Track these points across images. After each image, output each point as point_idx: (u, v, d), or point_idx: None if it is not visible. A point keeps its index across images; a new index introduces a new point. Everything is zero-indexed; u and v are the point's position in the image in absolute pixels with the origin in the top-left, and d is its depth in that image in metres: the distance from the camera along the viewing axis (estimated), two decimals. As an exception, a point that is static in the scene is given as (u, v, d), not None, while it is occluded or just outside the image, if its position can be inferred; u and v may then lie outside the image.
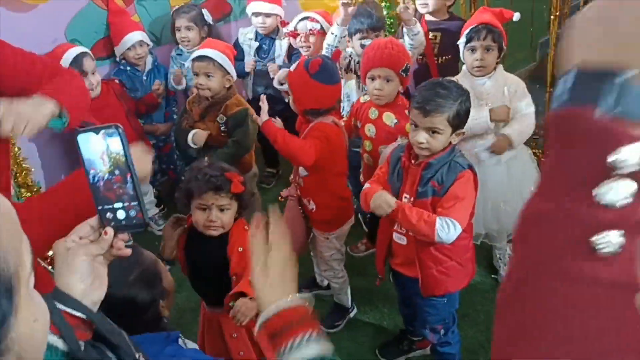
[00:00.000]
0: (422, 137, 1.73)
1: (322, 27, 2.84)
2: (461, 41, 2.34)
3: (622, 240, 0.45)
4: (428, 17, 2.82)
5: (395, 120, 2.28)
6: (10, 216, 0.56)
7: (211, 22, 3.08)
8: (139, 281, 1.38)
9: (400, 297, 2.25)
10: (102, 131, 0.83)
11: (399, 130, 2.25)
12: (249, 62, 3.10)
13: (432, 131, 1.73)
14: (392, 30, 3.06)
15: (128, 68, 2.95)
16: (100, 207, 0.86)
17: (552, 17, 3.15)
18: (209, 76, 2.48)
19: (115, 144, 0.83)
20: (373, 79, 2.25)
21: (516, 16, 2.44)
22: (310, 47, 2.87)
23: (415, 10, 2.77)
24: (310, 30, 2.83)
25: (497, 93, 2.33)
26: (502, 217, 2.45)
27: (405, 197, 1.82)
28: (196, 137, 2.54)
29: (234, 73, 2.57)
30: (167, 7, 3.17)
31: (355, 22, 2.57)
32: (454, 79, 2.28)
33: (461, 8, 3.22)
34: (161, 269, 1.53)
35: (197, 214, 1.76)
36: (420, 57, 2.81)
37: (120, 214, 0.86)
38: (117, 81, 2.88)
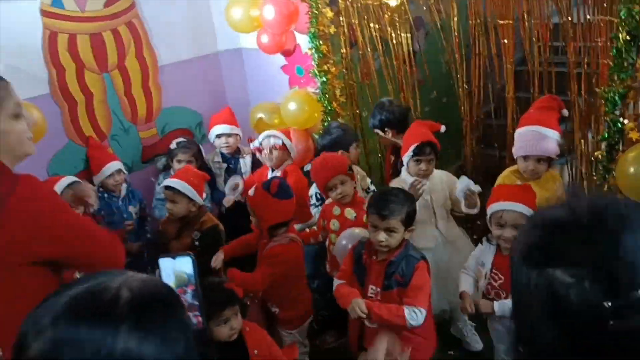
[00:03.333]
0: (382, 236, 2.16)
1: (283, 142, 3.27)
2: (407, 154, 2.80)
3: None
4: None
5: (354, 214, 2.74)
6: None
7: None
8: None
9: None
10: (178, 256, 1.14)
11: (359, 222, 2.69)
12: (228, 199, 3.43)
13: (390, 231, 2.16)
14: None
15: (105, 195, 3.24)
16: None
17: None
18: (174, 202, 2.84)
19: (186, 266, 1.13)
20: (331, 189, 2.72)
21: (442, 128, 2.98)
22: (273, 159, 3.28)
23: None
24: (274, 145, 3.24)
25: (437, 187, 2.85)
26: (451, 294, 2.85)
27: (372, 289, 2.22)
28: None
29: (197, 199, 2.85)
30: (137, 139, 3.57)
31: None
32: (396, 180, 2.84)
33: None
34: None
35: (219, 330, 1.98)
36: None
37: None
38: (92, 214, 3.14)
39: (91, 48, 3.22)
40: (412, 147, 2.78)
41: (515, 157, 2.72)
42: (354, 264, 2.31)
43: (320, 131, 3.50)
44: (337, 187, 2.71)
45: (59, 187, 2.84)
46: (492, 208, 2.28)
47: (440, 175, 2.91)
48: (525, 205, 2.19)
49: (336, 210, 2.78)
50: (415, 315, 2.11)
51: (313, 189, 3.15)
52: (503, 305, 2.20)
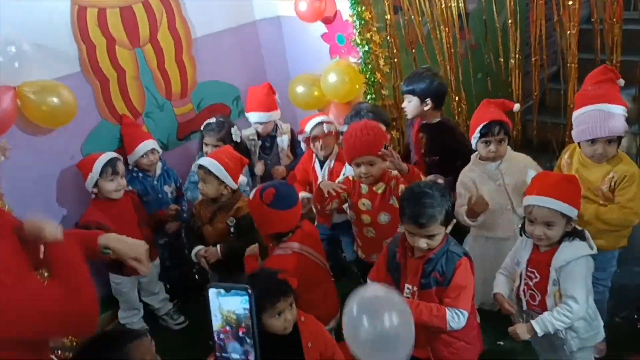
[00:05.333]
0: (423, 243, 1.96)
1: (336, 127, 3.06)
2: (475, 136, 2.55)
3: None
4: (424, 120, 2.99)
5: (384, 186, 2.53)
6: None
7: (239, 140, 3.28)
8: None
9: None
10: (233, 290, 0.95)
11: (388, 196, 2.50)
12: (258, 166, 3.33)
13: (430, 237, 1.95)
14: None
15: (140, 174, 3.18)
16: (217, 354, 0.98)
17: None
18: (205, 182, 2.73)
19: (243, 303, 0.94)
20: (358, 165, 2.48)
21: (516, 107, 2.70)
22: (327, 147, 3.03)
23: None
24: (328, 132, 3.01)
25: (513, 172, 2.57)
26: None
27: (408, 288, 2.03)
28: (208, 253, 2.74)
29: (230, 182, 2.71)
30: (172, 115, 3.46)
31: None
32: (467, 167, 2.61)
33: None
34: None
35: (273, 323, 1.84)
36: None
37: None
38: (136, 193, 3.10)
39: (122, 22, 3.10)
40: (479, 127, 2.52)
41: (576, 141, 2.43)
42: (388, 261, 2.12)
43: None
44: (363, 167, 2.48)
45: (99, 162, 2.83)
46: (524, 201, 2.04)
47: (517, 157, 2.65)
48: (561, 201, 1.92)
49: (364, 189, 2.55)
50: (456, 318, 1.93)
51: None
52: (543, 323, 1.97)
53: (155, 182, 3.23)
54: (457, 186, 2.67)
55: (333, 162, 3.07)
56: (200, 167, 2.73)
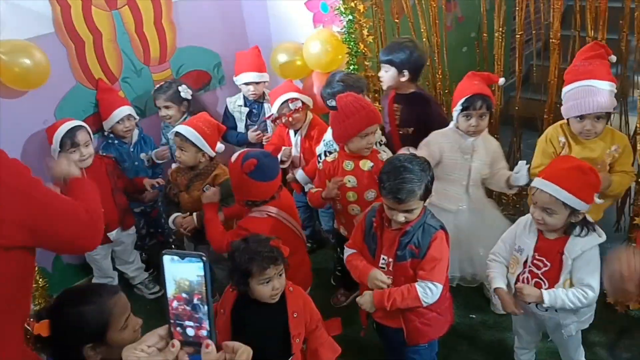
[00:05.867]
0: (401, 217, 1.94)
1: (302, 101, 3.01)
2: (456, 108, 2.52)
3: None
4: (399, 91, 2.95)
5: (371, 164, 2.49)
6: None
7: (189, 97, 3.23)
8: None
9: (385, 346, 2.42)
10: (187, 257, 0.93)
11: (377, 172, 2.41)
12: (254, 135, 3.29)
13: (408, 211, 1.93)
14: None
15: (116, 141, 3.12)
16: (171, 321, 0.96)
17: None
18: (182, 150, 2.68)
19: (197, 270, 0.92)
20: (363, 137, 2.41)
21: (501, 81, 2.69)
22: (297, 122, 3.03)
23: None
24: (295, 109, 2.97)
25: (482, 152, 2.58)
26: (476, 262, 2.67)
27: (384, 259, 2.02)
28: (184, 222, 2.72)
29: (208, 150, 2.67)
30: (149, 81, 3.37)
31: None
32: (441, 131, 2.56)
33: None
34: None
35: (260, 289, 1.84)
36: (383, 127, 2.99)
37: (190, 331, 0.95)
38: (112, 158, 3.04)
39: (98, -18, 2.99)
40: (461, 100, 2.49)
41: (565, 117, 2.41)
42: (364, 232, 2.10)
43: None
44: (370, 136, 2.43)
45: (59, 132, 2.76)
46: (533, 182, 2.01)
47: (490, 139, 2.65)
48: (566, 191, 1.87)
49: (348, 165, 2.52)
50: (429, 292, 1.93)
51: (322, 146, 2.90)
52: (555, 296, 1.94)
53: (132, 149, 3.17)
54: (422, 144, 2.62)
55: (305, 130, 3.06)
56: (177, 134, 2.68)
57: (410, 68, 2.83)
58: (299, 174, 2.99)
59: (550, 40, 3.12)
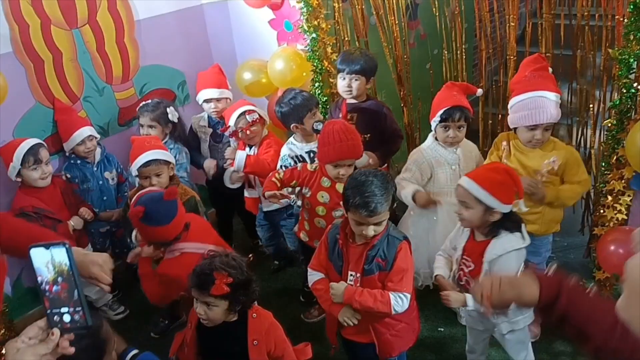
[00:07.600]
0: (371, 230, 1.95)
1: (259, 114, 3.00)
2: (435, 120, 2.56)
3: None
4: (349, 100, 3.00)
5: None
6: None
7: (176, 120, 3.19)
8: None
9: (354, 362, 2.41)
10: (51, 246, 1.00)
11: None
12: (211, 166, 3.25)
13: (378, 224, 1.95)
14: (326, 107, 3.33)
15: (79, 161, 3.06)
16: (48, 311, 1.01)
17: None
18: (159, 175, 2.66)
19: (61, 256, 1.00)
20: (336, 167, 2.42)
21: (479, 92, 2.74)
22: (254, 136, 3.01)
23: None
24: (252, 121, 2.96)
25: (467, 158, 2.65)
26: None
27: (352, 275, 2.02)
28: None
29: (171, 158, 2.73)
30: (112, 100, 3.33)
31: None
32: (424, 146, 2.64)
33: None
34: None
35: (195, 307, 1.83)
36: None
37: (66, 317, 1.01)
38: (63, 177, 3.00)
39: (57, 1, 2.94)
40: (440, 112, 2.52)
41: (512, 126, 2.48)
42: (328, 249, 2.10)
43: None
44: (343, 169, 2.42)
45: (21, 149, 2.71)
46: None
47: (469, 144, 2.71)
48: (477, 184, 1.95)
49: (325, 182, 2.52)
50: (400, 301, 1.95)
51: (285, 150, 2.90)
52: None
53: (95, 169, 3.11)
54: (409, 162, 2.69)
55: (257, 148, 3.05)
56: (148, 164, 2.65)
57: (372, 75, 2.93)
58: (238, 155, 2.93)
59: (507, 57, 3.22)
